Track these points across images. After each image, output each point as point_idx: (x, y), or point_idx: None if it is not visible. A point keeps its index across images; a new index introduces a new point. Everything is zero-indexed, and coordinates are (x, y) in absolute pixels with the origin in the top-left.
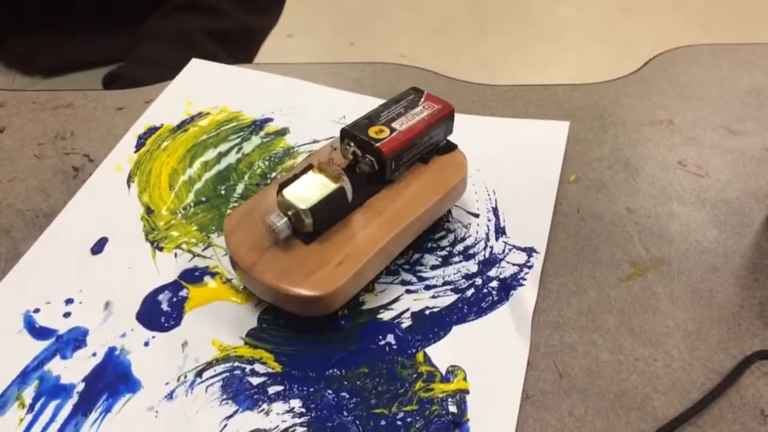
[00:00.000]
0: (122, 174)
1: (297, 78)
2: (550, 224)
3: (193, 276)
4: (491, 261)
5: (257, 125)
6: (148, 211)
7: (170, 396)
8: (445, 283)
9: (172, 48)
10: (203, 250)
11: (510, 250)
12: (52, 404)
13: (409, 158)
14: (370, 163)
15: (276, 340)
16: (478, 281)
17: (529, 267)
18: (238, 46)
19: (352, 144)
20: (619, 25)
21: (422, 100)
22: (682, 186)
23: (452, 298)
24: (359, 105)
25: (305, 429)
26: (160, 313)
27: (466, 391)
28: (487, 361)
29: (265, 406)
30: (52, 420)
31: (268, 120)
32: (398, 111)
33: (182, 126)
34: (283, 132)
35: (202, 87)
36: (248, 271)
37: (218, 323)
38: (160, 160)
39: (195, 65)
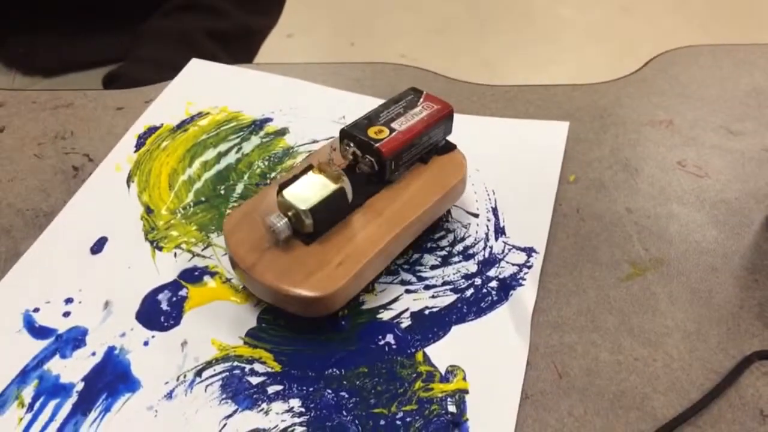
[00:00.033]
0: (122, 174)
1: (297, 78)
2: (550, 224)
3: (192, 276)
4: (491, 261)
5: (257, 125)
6: (148, 210)
7: (170, 395)
8: (444, 283)
9: (172, 48)
10: (203, 250)
11: (509, 250)
12: (52, 403)
13: (408, 158)
14: (370, 163)
15: (275, 340)
16: (478, 281)
17: (529, 267)
18: (238, 46)
19: (351, 144)
20: (619, 25)
21: (421, 100)
22: (682, 186)
23: (452, 298)
24: (359, 105)
25: (304, 428)
26: (159, 312)
27: (466, 391)
28: (487, 361)
29: (264, 405)
30: (51, 419)
31: (268, 120)
32: (397, 111)
33: (182, 126)
34: (282, 132)
35: (202, 87)
36: (248, 271)
37: (218, 323)
38: (160, 160)
39: (195, 65)
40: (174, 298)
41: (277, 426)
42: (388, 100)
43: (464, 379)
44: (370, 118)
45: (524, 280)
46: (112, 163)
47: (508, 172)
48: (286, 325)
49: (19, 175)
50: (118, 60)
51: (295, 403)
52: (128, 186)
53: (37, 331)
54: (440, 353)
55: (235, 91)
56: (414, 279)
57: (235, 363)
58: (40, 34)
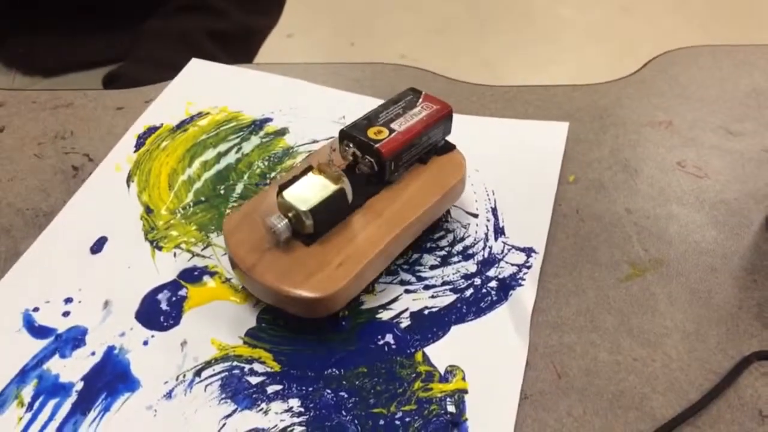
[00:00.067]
0: (122, 173)
1: (297, 78)
2: (549, 225)
3: (192, 275)
4: (490, 261)
5: (257, 125)
6: (148, 210)
7: (169, 395)
8: (444, 283)
9: (172, 48)
10: (202, 250)
11: (509, 250)
12: (51, 403)
13: (408, 159)
14: (370, 164)
15: (275, 340)
16: (477, 281)
17: (528, 267)
18: (238, 46)
19: (351, 145)
20: (618, 25)
21: (420, 100)
22: (681, 187)
23: (451, 298)
24: (359, 105)
25: (304, 428)
26: (159, 312)
27: (465, 391)
28: (486, 361)
29: (263, 405)
30: (50, 419)
31: (268, 120)
32: (397, 112)
33: (182, 126)
34: (282, 132)
35: (202, 87)
36: (248, 272)
37: (217, 323)
38: (160, 160)
39: (195, 65)
40: (173, 298)
41: (276, 426)
42: (387, 101)
43: (463, 379)
44: (370, 119)
45: (524, 280)
46: (112, 163)
47: (507, 173)
48: (285, 325)
49: (19, 175)
50: (118, 60)
51: (295, 402)
52: (128, 186)
53: (37, 331)
54: (439, 353)
55: (235, 91)
56: (413, 279)
57: (235, 363)
58: (40, 34)
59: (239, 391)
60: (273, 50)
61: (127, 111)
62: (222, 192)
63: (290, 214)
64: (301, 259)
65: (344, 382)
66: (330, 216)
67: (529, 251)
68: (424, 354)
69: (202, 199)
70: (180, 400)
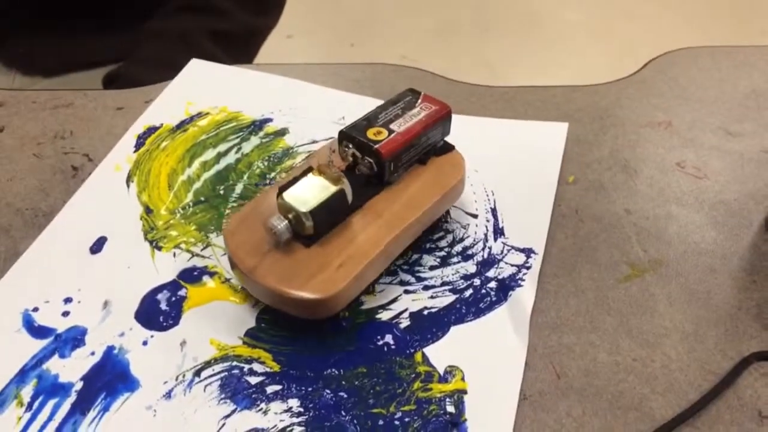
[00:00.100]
0: (121, 174)
1: (297, 78)
2: (549, 225)
3: (191, 275)
4: (490, 262)
5: (256, 125)
6: (147, 210)
7: (168, 395)
8: (443, 284)
9: (172, 48)
10: (202, 250)
11: (508, 250)
12: (51, 403)
13: (407, 159)
14: (369, 164)
15: (274, 340)
16: (477, 282)
17: (528, 268)
18: (239, 47)
19: (350, 146)
20: (618, 26)
21: (419, 101)
22: (681, 187)
23: (450, 298)
24: (359, 106)
25: (303, 428)
26: (158, 312)
27: (464, 392)
28: (485, 361)
29: (263, 405)
30: (50, 419)
31: (268, 120)
32: (396, 112)
33: (181, 126)
34: (282, 132)
35: (202, 87)
36: (249, 274)
37: (217, 323)
38: (159, 160)
39: (195, 65)
40: (173, 298)
41: (275, 426)
42: (386, 102)
43: (463, 379)
44: (369, 120)
45: (523, 280)
46: (112, 163)
47: (507, 173)
48: (285, 325)
49: (19, 175)
50: (118, 60)
51: (294, 403)
52: (128, 186)
53: (36, 331)
54: (439, 353)
55: (235, 91)
56: (413, 279)
57: (234, 363)
58: (40, 34)
59: (238, 391)
60: (273, 51)
61: (126, 111)
62: (222, 192)
63: (290, 216)
64: (301, 261)
65: (343, 383)
66: (330, 217)
67: (528, 252)
68: (423, 354)
69: (202, 199)
70: (179, 400)
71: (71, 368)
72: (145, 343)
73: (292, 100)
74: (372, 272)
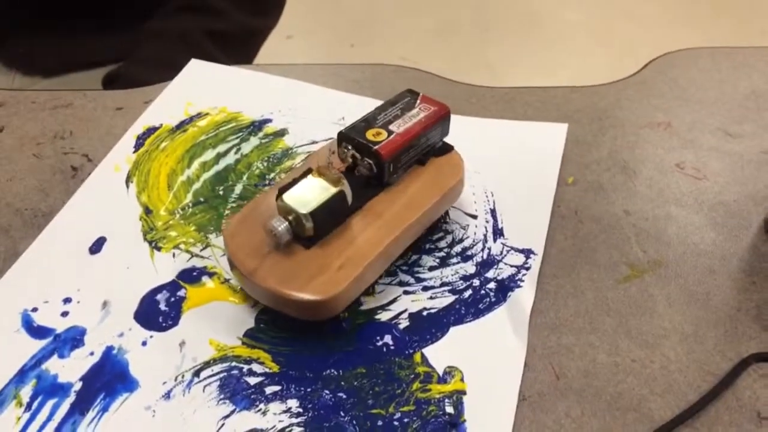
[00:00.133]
0: (121, 174)
1: (296, 79)
2: (548, 226)
3: (191, 276)
4: (489, 262)
5: (256, 126)
6: (147, 211)
7: (168, 395)
8: (442, 285)
9: (172, 48)
10: (201, 251)
11: (508, 251)
12: (50, 403)
13: (407, 160)
14: (369, 166)
15: (273, 341)
16: (476, 282)
17: (527, 268)
18: (238, 47)
19: (350, 147)
20: (618, 27)
21: (418, 102)
22: (680, 188)
23: (450, 299)
24: (358, 106)
25: (302, 429)
26: (157, 312)
27: (463, 392)
28: (485, 362)
29: (262, 406)
30: (49, 419)
31: (267, 121)
32: (395, 113)
33: (181, 126)
34: (281, 133)
35: (202, 87)
36: (250, 276)
37: (216, 323)
38: (159, 161)
39: (194, 66)
40: (172, 299)
41: (274, 426)
42: (385, 102)
43: (462, 380)
44: (368, 121)
45: (522, 281)
46: (111, 164)
47: (506, 174)
48: (284, 325)
49: (18, 175)
50: (118, 60)
51: (293, 403)
52: (127, 186)
53: (36, 331)
54: (438, 354)
55: (235, 91)
56: (412, 280)
57: (233, 363)
58: (40, 34)
59: (238, 392)
60: (273, 51)
61: (126, 111)
62: (221, 193)
63: (290, 217)
64: (301, 263)
65: (343, 383)
66: (330, 218)
67: (527, 252)
68: (422, 355)
69: (201, 199)
70: (179, 401)
71: (70, 368)
72: (144, 343)
73: (291, 100)
74: (372, 273)
